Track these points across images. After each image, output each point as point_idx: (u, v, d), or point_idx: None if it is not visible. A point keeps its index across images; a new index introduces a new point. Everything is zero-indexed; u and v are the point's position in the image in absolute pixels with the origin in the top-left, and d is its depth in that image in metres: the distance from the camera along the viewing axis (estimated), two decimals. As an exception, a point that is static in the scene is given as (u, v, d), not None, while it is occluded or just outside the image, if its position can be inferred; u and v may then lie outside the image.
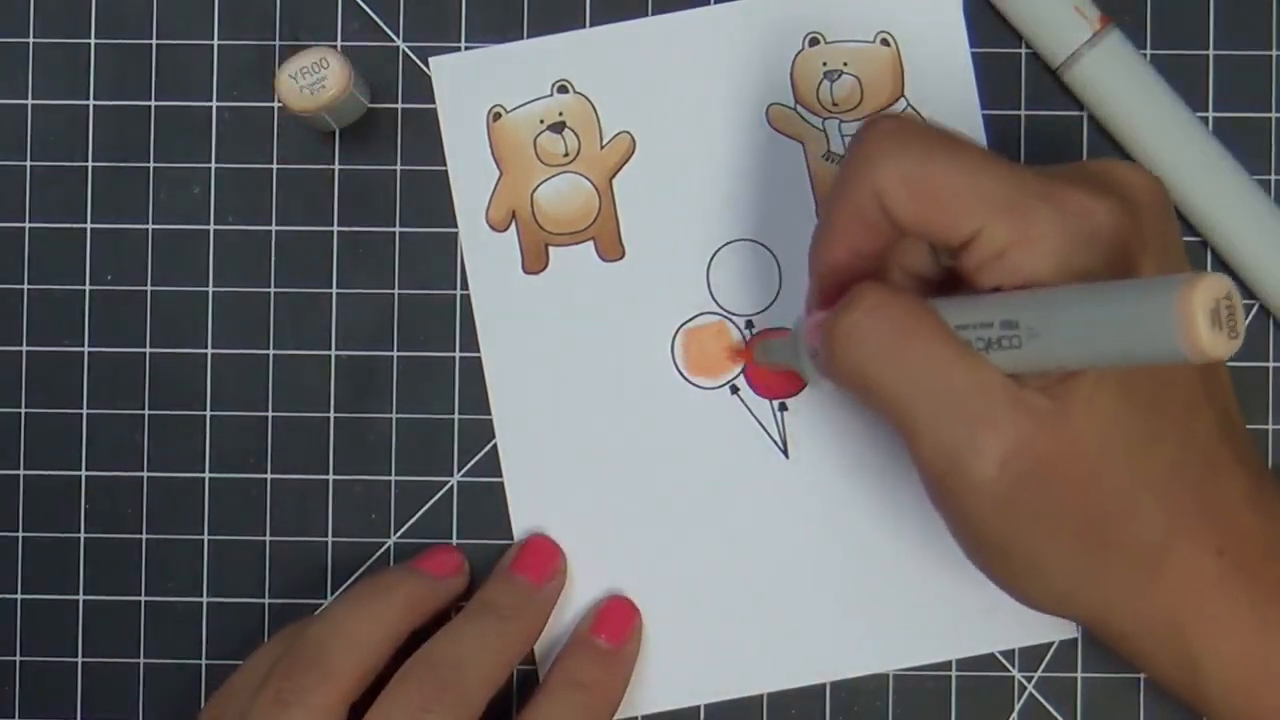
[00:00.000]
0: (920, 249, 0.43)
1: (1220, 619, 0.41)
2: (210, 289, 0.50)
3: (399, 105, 0.50)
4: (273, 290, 0.50)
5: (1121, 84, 0.48)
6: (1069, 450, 0.39)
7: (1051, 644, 0.49)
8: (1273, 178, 0.50)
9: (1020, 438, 0.39)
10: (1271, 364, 0.49)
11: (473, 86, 0.50)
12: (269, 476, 0.50)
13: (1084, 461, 0.39)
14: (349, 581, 0.50)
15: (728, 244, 0.50)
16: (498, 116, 0.50)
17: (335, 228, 0.50)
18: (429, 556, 0.49)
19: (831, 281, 0.42)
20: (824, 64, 0.50)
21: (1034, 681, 0.49)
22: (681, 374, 0.50)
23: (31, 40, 0.50)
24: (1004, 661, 0.49)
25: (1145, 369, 0.39)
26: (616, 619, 0.49)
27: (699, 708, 0.49)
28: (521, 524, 0.49)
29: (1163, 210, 0.42)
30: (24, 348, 0.50)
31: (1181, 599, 0.41)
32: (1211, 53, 0.50)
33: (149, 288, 0.50)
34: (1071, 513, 0.39)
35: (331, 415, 0.50)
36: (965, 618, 0.49)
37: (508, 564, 0.49)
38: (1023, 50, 0.50)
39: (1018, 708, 0.49)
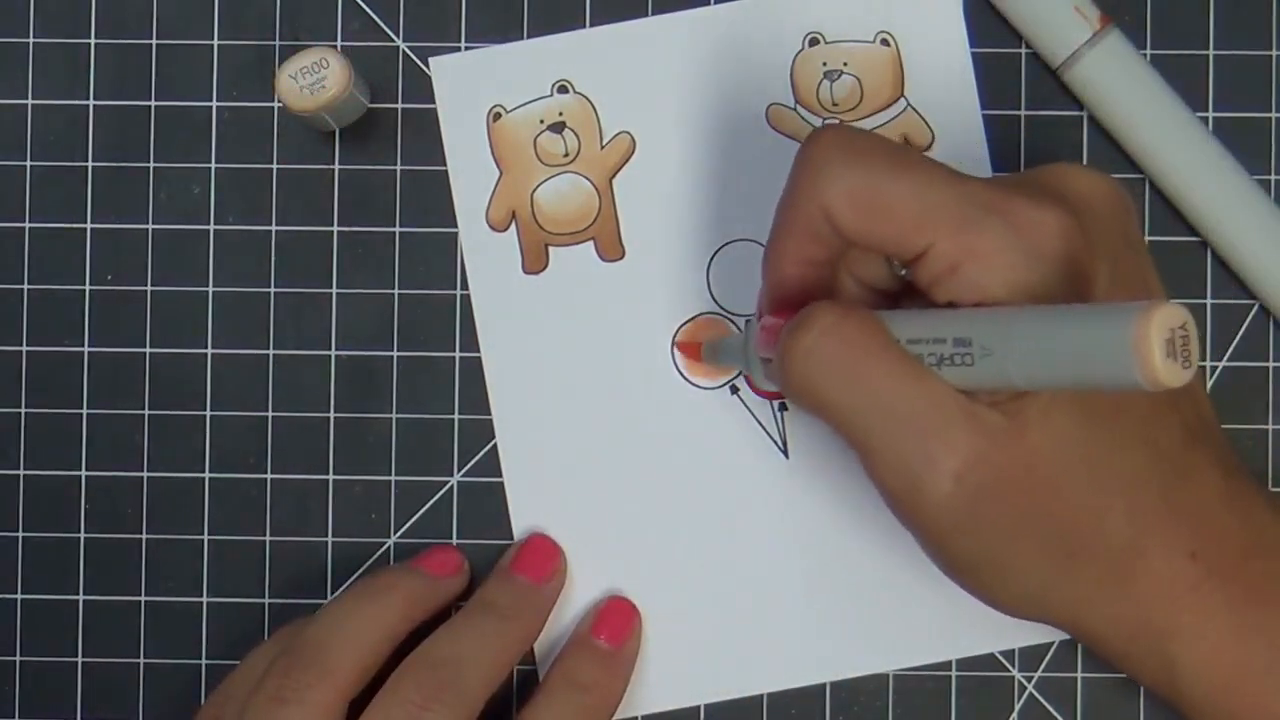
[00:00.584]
0: (874, 259, 0.43)
1: (1196, 622, 0.41)
2: (210, 289, 0.50)
3: (399, 105, 0.50)
4: (273, 290, 0.50)
5: (1121, 84, 0.48)
6: (1025, 463, 0.39)
7: (1051, 644, 0.49)
8: (1273, 178, 0.50)
9: (975, 451, 0.38)
10: (1271, 364, 0.49)
11: (473, 86, 0.50)
12: (269, 476, 0.50)
13: (1041, 474, 0.39)
14: (349, 581, 0.50)
15: (728, 244, 0.50)
16: (498, 116, 0.50)
17: (335, 228, 0.50)
18: (429, 556, 0.49)
19: (784, 288, 0.42)
20: (824, 64, 0.50)
21: (1034, 681, 0.49)
22: (681, 374, 0.50)
23: (31, 40, 0.50)
24: (1004, 661, 0.49)
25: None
26: (616, 620, 0.49)
27: (699, 708, 0.49)
28: (521, 524, 0.49)
29: (1117, 216, 0.41)
30: (24, 348, 0.50)
31: (1155, 603, 0.41)
32: (1211, 53, 0.50)
33: (149, 288, 0.50)
34: (1034, 523, 0.39)
35: (331, 415, 0.50)
36: (965, 618, 0.49)
37: (507, 563, 0.49)
38: (1023, 50, 0.50)
39: (1018, 708, 0.49)
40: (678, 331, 0.50)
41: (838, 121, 0.50)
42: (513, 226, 0.50)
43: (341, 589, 0.49)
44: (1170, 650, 0.41)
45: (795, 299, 0.42)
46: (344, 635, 0.45)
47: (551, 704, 0.47)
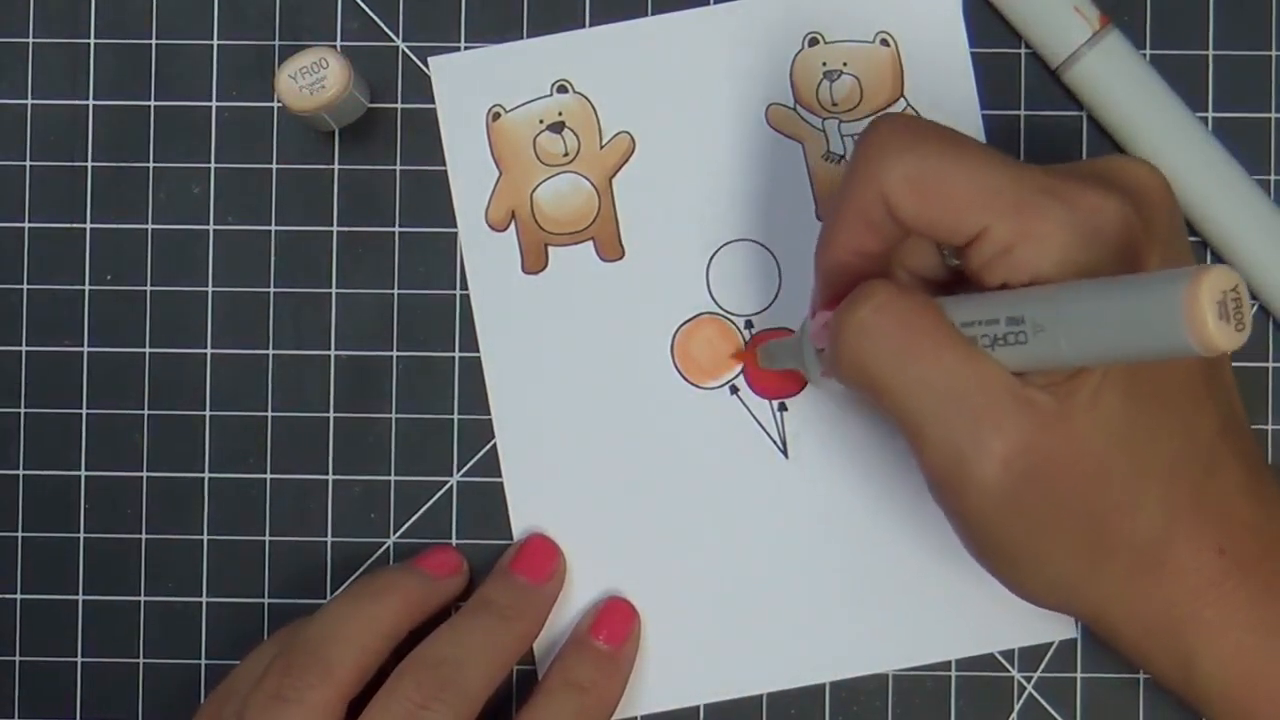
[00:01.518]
0: (925, 249, 0.43)
1: (1218, 617, 0.41)
2: (210, 289, 0.50)
3: (399, 105, 0.50)
4: (273, 290, 0.50)
5: (1121, 84, 0.48)
6: (1073, 448, 0.39)
7: (1051, 644, 0.49)
8: (1273, 178, 0.50)
9: (1024, 436, 0.39)
10: (1271, 364, 0.49)
11: (472, 86, 0.50)
12: (269, 476, 0.50)
13: (1088, 459, 0.39)
14: (348, 581, 0.49)
15: (727, 244, 0.50)
16: (497, 116, 0.50)
17: (335, 228, 0.50)
18: (428, 556, 0.49)
19: (837, 282, 0.42)
20: (824, 64, 0.50)
21: (1034, 681, 0.49)
22: (681, 374, 0.50)
23: (31, 40, 0.50)
24: (1004, 662, 0.49)
25: (1149, 365, 0.39)
26: (615, 620, 0.48)
27: (699, 708, 0.49)
28: (521, 524, 0.49)
29: (1169, 206, 0.42)
30: (24, 348, 0.50)
31: (1180, 597, 0.41)
32: (1211, 53, 0.50)
33: (149, 288, 0.50)
34: (1074, 511, 0.39)
35: (331, 415, 0.50)
36: (965, 618, 0.49)
37: (507, 563, 0.49)
38: (1023, 50, 0.50)
39: (1017, 708, 0.49)
40: (677, 331, 0.50)
41: (836, 123, 0.50)
42: (512, 226, 0.50)
43: (341, 589, 0.49)
44: (1190, 644, 0.41)
45: (849, 292, 0.42)
46: (343, 635, 0.45)
47: (550, 704, 0.47)
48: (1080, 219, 0.39)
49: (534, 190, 0.50)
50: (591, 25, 0.50)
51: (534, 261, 0.50)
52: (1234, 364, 0.49)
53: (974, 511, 0.40)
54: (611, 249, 0.50)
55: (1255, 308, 0.49)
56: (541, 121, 0.50)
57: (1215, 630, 0.41)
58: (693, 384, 0.50)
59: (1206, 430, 0.41)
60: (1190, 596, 0.41)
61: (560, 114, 0.50)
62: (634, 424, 0.50)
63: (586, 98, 0.50)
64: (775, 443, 0.50)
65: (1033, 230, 0.39)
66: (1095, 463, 0.39)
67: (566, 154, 0.50)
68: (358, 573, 0.50)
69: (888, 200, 0.40)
